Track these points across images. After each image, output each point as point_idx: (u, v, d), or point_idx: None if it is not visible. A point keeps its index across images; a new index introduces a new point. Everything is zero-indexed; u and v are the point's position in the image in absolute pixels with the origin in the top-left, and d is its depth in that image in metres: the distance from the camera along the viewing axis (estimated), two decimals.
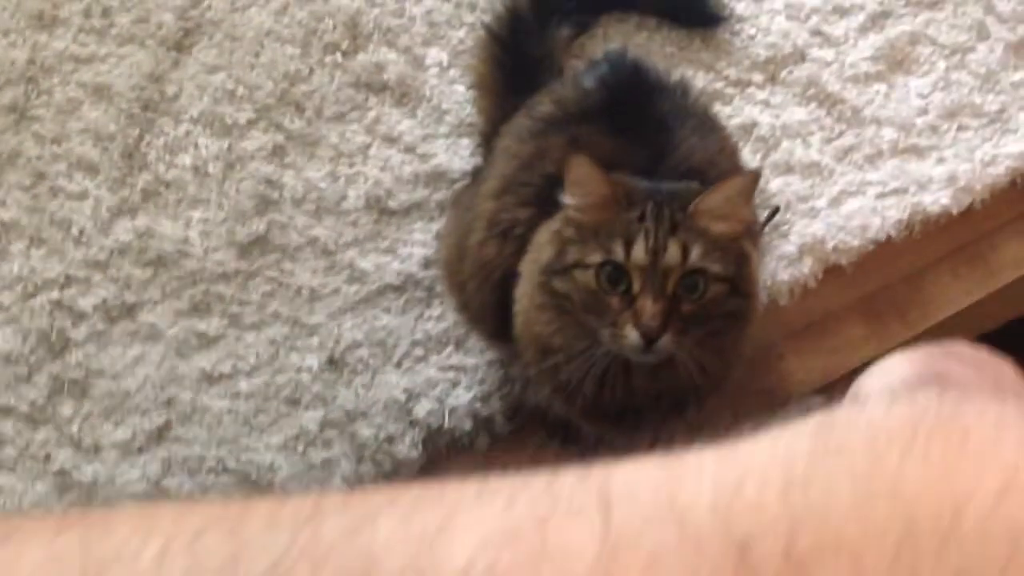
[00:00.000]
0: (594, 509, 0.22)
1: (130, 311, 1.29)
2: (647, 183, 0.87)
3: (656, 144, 0.97)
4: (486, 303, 1.04)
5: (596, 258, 0.83)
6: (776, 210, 1.34)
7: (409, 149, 1.37)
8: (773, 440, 0.22)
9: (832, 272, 1.38)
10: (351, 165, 1.37)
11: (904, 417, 0.22)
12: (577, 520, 0.22)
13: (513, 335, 0.99)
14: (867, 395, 0.33)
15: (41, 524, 0.25)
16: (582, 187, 0.84)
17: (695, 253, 0.82)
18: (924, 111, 1.45)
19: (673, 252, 0.81)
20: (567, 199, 0.86)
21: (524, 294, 0.93)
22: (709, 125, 1.05)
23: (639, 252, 0.81)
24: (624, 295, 0.82)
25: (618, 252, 0.82)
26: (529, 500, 0.23)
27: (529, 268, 0.92)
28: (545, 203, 0.95)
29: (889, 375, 0.33)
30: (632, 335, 0.81)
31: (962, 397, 0.23)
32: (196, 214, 1.33)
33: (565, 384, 0.90)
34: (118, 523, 0.23)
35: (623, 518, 0.21)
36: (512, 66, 1.26)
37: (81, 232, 1.32)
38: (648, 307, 0.80)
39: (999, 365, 0.35)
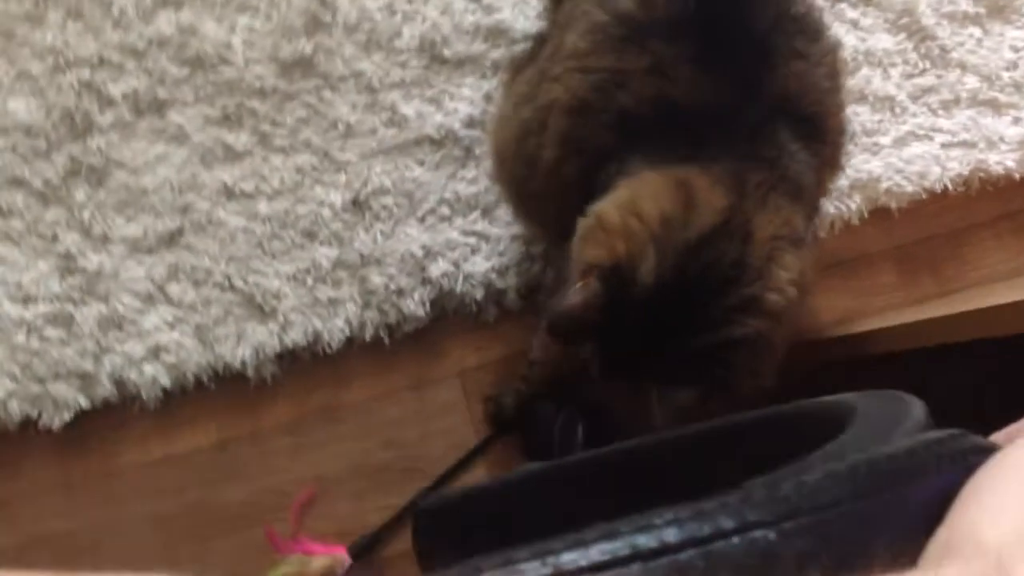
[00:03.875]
0: None
1: (159, 107, 1.24)
2: None
3: (749, 69, 0.87)
4: (562, 217, 0.97)
5: None
6: None
7: None
8: None
9: (878, 214, 1.33)
10: (411, 1, 1.30)
11: None
12: None
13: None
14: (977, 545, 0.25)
15: None
16: None
17: None
18: (1013, 65, 1.37)
19: None
20: None
21: None
22: (812, 34, 0.93)
23: None
24: None
25: None
26: None
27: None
28: (623, 132, 0.89)
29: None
30: None
31: None
32: (243, 20, 1.27)
33: None
34: None
35: None
36: None
37: (122, 14, 1.26)
38: None
39: None
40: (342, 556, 1.11)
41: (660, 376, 0.82)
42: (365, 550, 1.13)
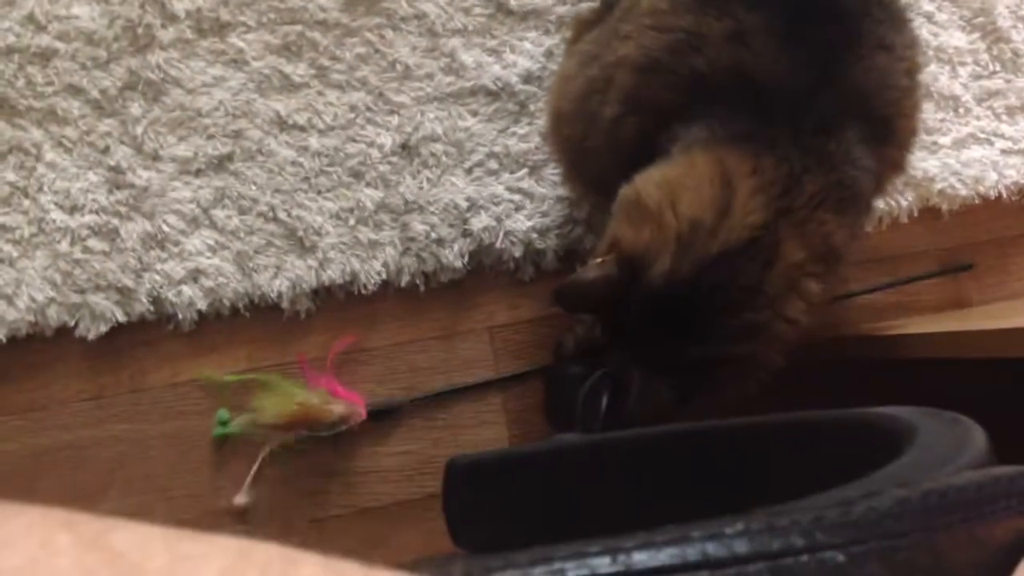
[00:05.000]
0: None
1: (221, 29, 1.24)
2: None
3: (831, 52, 0.83)
4: (612, 175, 0.93)
5: None
6: None
7: None
8: None
9: (928, 213, 1.32)
10: None
11: None
12: None
13: None
14: None
15: None
16: None
17: None
18: None
19: None
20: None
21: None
22: (898, 24, 0.89)
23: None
24: None
25: None
26: None
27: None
28: (689, 97, 0.87)
29: None
30: None
31: None
32: None
33: None
34: None
35: None
36: None
37: None
38: None
39: None
40: (359, 409, 1.15)
41: (648, 364, 0.83)
42: (382, 413, 1.17)
